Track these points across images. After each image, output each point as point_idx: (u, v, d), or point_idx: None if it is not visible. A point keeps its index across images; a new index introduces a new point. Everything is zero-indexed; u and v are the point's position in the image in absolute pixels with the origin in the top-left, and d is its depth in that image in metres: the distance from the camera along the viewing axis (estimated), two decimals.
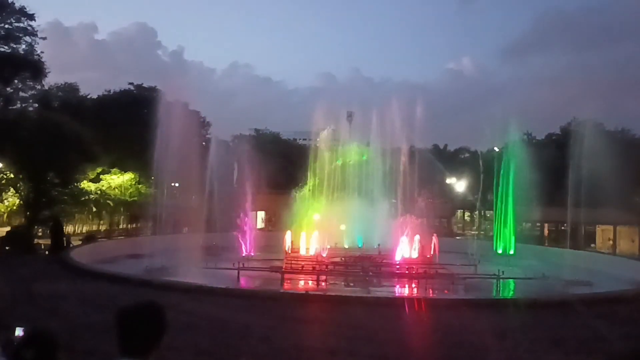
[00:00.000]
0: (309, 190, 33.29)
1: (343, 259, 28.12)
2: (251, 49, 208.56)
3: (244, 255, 30.46)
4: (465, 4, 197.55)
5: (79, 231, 47.18)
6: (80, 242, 34.55)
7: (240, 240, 31.02)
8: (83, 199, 41.61)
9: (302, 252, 29.26)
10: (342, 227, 31.27)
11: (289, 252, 29.09)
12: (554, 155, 39.87)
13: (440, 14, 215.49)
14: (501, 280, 23.89)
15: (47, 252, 31.26)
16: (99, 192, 43.59)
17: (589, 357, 11.32)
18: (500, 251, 35.06)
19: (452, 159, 61.89)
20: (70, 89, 51.97)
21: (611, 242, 47.00)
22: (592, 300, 18.90)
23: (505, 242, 35.28)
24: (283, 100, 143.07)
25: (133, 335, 3.00)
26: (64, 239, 33.49)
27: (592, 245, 47.32)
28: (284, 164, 39.59)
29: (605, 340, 12.74)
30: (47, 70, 37.88)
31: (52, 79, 44.21)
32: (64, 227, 37.00)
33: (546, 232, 51.10)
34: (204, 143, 42.72)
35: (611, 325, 14.89)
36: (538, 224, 50.20)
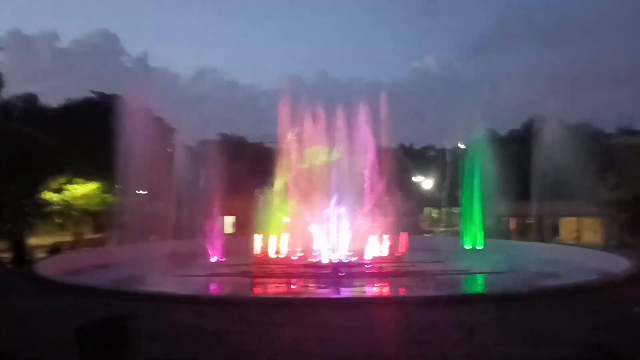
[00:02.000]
0: (277, 193, 33.14)
1: (313, 260, 28.12)
2: (218, 53, 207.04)
3: (213, 261, 30.20)
4: (430, 3, 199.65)
5: (43, 243, 46.16)
6: (45, 255, 33.83)
7: (208, 247, 30.72)
8: (47, 210, 40.77)
9: (272, 255, 29.13)
10: (311, 228, 31.23)
11: (259, 255, 28.94)
12: (517, 150, 40.53)
13: (406, 14, 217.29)
14: (470, 275, 24.17)
15: (9, 266, 30.58)
16: (62, 202, 42.76)
17: (558, 348, 11.49)
18: (468, 247, 35.44)
19: (418, 157, 62.40)
20: (31, 99, 50.99)
21: (575, 233, 47.99)
22: (559, 292, 19.27)
23: (473, 237, 35.69)
24: (251, 104, 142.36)
25: (93, 351, 2.93)
26: (26, 252, 32.76)
27: (557, 237, 48.28)
28: (251, 168, 39.43)
29: (574, 331, 12.98)
30: (5, 81, 37.03)
31: (13, 89, 43.33)
32: (27, 240, 36.15)
33: (512, 226, 51.90)
34: (169, 149, 42.28)
35: (579, 315, 15.19)
36: (504, 219, 50.95)
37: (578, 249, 37.04)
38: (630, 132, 49.33)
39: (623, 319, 14.66)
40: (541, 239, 39.73)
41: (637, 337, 12.37)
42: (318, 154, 33.03)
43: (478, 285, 24.68)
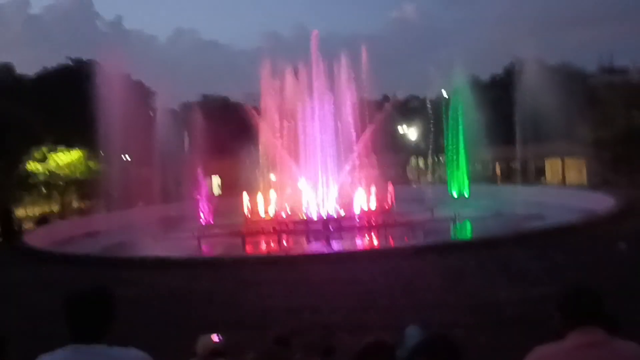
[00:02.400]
0: (262, 151, 33.02)
1: (303, 217, 28.27)
2: (195, 13, 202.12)
3: (203, 223, 30.28)
4: None
5: (30, 214, 45.96)
6: (32, 226, 33.73)
7: (197, 209, 30.76)
8: (31, 181, 40.50)
9: (261, 213, 29.21)
10: (299, 184, 31.28)
11: (248, 215, 29.02)
12: (499, 95, 40.46)
13: None
14: (458, 222, 24.46)
15: None
16: (47, 172, 42.43)
17: (545, 287, 11.74)
18: (455, 194, 35.73)
19: (402, 107, 62.15)
20: (6, 69, 49.96)
21: (560, 174, 48.47)
22: (544, 233, 19.60)
23: (460, 184, 35.95)
24: (230, 63, 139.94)
25: (82, 320, 2.96)
26: (15, 224, 32.61)
27: (543, 179, 48.77)
28: (234, 128, 39.12)
29: (559, 271, 13.25)
30: None
31: None
32: (14, 212, 35.95)
33: (498, 170, 52.28)
34: (151, 113, 41.81)
35: (565, 255, 15.48)
36: (490, 164, 51.29)
37: (563, 190, 37.58)
38: (610, 70, 49.26)
39: (608, 256, 14.97)
40: (527, 181, 40.11)
41: (622, 273, 12.65)
42: (300, 110, 32.78)
43: (465, 231, 25.01)
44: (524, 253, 15.86)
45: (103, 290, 3.10)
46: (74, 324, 2.98)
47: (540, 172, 49.02)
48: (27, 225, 33.80)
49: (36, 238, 25.25)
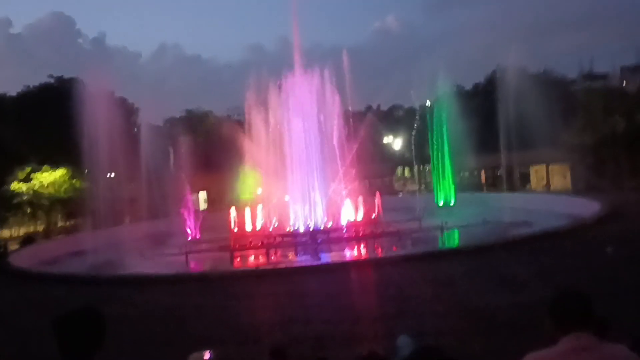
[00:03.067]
0: (248, 165, 32.97)
1: (290, 229, 28.21)
2: (178, 28, 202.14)
3: (190, 238, 30.11)
4: None
5: (15, 235, 45.49)
6: (17, 246, 33.36)
7: (184, 224, 30.61)
8: (15, 201, 40.13)
9: (248, 227, 29.12)
10: (287, 197, 31.25)
11: (236, 229, 28.91)
12: (482, 103, 40.82)
13: None
14: (445, 231, 24.52)
15: None
16: (31, 192, 42.07)
17: (535, 292, 11.81)
18: (441, 203, 35.86)
19: (386, 118, 62.46)
20: None
21: (545, 181, 48.84)
22: (531, 239, 19.72)
23: (446, 193, 36.10)
24: (215, 78, 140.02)
25: (72, 340, 2.94)
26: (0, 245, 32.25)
27: (528, 185, 49.12)
28: (219, 142, 39.06)
29: (547, 276, 13.31)
30: None
31: None
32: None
33: (483, 178, 52.58)
34: (135, 130, 41.65)
35: (552, 260, 15.58)
36: (475, 172, 51.57)
37: (548, 195, 37.87)
38: (591, 76, 49.86)
39: (596, 261, 15.08)
40: (512, 188, 40.39)
41: (610, 276, 12.75)
42: (285, 123, 32.81)
43: (453, 239, 25.08)
44: (513, 259, 15.93)
45: (92, 309, 3.08)
46: (64, 344, 2.95)
47: (525, 178, 49.39)
48: (12, 246, 33.39)
49: (21, 258, 24.94)
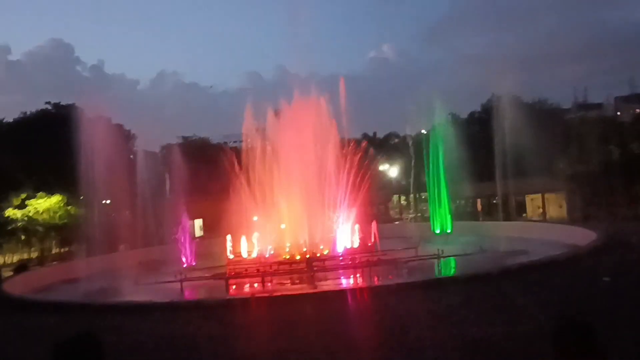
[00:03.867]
0: (244, 192, 32.91)
1: (287, 257, 28.08)
2: (176, 56, 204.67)
3: (185, 266, 29.92)
4: None
5: (9, 262, 45.14)
6: (11, 273, 33.05)
7: (179, 252, 30.44)
8: (10, 227, 39.91)
9: (244, 255, 28.98)
10: (282, 226, 31.18)
11: (231, 257, 28.77)
12: (478, 132, 41.08)
13: (362, 4, 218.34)
14: (442, 259, 24.43)
15: None
16: (26, 218, 41.88)
17: (531, 323, 11.73)
18: (438, 231, 35.80)
19: (382, 146, 62.72)
20: None
21: (541, 209, 48.93)
22: (528, 268, 19.64)
23: (442, 221, 36.05)
24: (212, 105, 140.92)
25: None
26: None
27: (524, 214, 49.16)
28: (215, 169, 39.10)
29: (545, 306, 13.23)
30: None
31: None
32: None
33: (479, 207, 52.62)
34: (131, 156, 41.70)
35: (550, 290, 15.50)
36: (471, 200, 51.64)
37: (544, 224, 37.86)
38: (585, 106, 50.39)
39: (592, 290, 15.02)
40: (508, 217, 40.41)
41: (608, 306, 12.67)
42: (282, 150, 32.89)
43: (450, 268, 24.96)
44: (510, 288, 15.84)
45: (91, 336, 3.04)
46: None
47: (521, 207, 49.43)
48: (6, 273, 33.08)
49: (15, 286, 24.68)
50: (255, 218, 32.36)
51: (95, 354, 2.96)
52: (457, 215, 37.57)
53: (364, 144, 35.01)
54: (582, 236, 25.46)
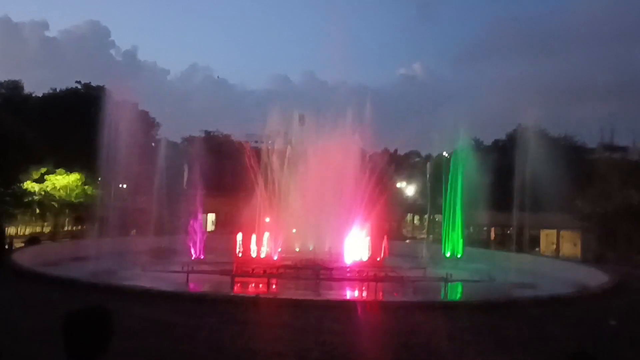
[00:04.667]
0: (260, 192, 33.03)
1: (294, 261, 28.08)
2: (209, 51, 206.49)
3: (193, 258, 30.03)
4: (423, 9, 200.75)
5: (21, 233, 45.66)
6: (22, 245, 33.42)
7: (189, 244, 30.55)
8: (26, 200, 40.37)
9: (253, 254, 29.04)
10: (294, 230, 31.25)
11: (240, 255, 28.84)
12: (500, 160, 40.84)
13: (396, 19, 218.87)
14: (449, 283, 24.26)
15: None
16: (43, 193, 42.37)
17: (534, 357, 11.61)
18: (448, 254, 35.59)
19: (402, 163, 62.68)
20: (14, 87, 50.49)
21: (554, 245, 48.48)
22: (536, 302, 19.43)
23: (454, 245, 35.83)
24: (238, 103, 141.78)
25: (79, 340, 2.91)
26: (6, 241, 32.30)
27: (537, 249, 48.73)
28: (234, 166, 39.30)
29: (549, 341, 13.10)
30: None
31: None
32: (6, 229, 35.66)
33: (493, 235, 52.28)
34: (153, 144, 42.04)
35: (555, 326, 15.33)
36: (485, 228, 51.32)
37: (556, 261, 37.46)
38: (611, 147, 49.92)
39: (598, 332, 14.81)
40: (520, 249, 40.08)
41: (613, 349, 12.50)
42: (303, 156, 32.99)
43: (455, 293, 24.79)
44: (515, 320, 15.69)
45: (102, 309, 3.07)
46: (71, 343, 2.93)
47: (535, 241, 49.00)
48: (17, 244, 33.45)
49: (24, 257, 24.97)
50: (267, 219, 32.46)
51: (106, 326, 2.99)
52: (469, 241, 37.33)
53: (385, 158, 35.01)
54: (593, 277, 25.17)
